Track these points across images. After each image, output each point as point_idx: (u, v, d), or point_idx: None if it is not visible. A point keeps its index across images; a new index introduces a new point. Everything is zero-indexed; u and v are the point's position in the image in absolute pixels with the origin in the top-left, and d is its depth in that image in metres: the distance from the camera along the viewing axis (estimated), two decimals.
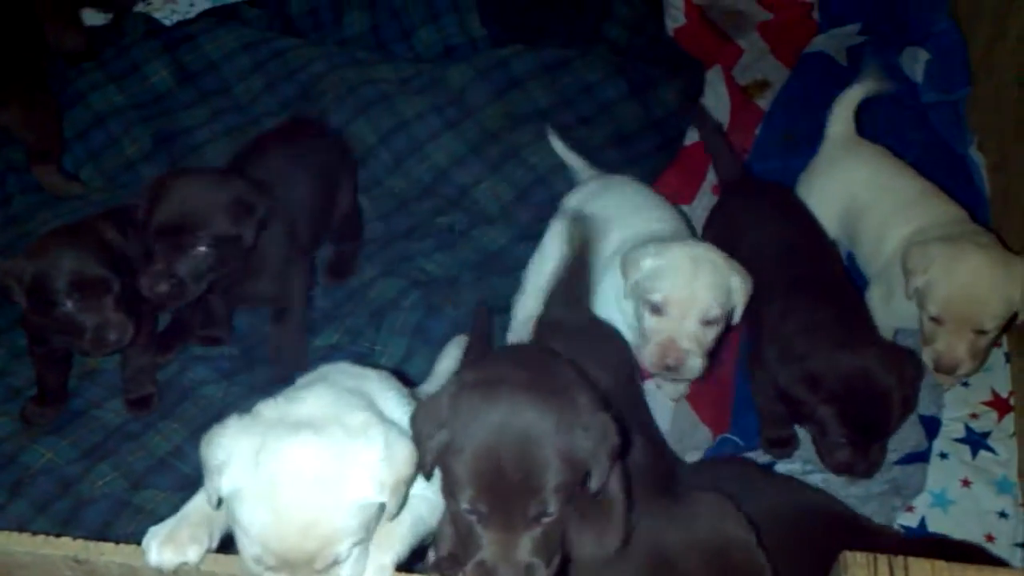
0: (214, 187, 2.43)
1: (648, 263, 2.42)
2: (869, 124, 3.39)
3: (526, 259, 2.89)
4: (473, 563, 1.62)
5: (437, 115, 3.25)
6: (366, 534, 1.63)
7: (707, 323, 2.41)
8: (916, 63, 3.50)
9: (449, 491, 1.66)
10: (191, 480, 2.35)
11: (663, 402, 2.72)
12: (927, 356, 2.58)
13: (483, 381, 1.68)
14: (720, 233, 2.79)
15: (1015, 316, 2.55)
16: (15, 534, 1.61)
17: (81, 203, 3.06)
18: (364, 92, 3.27)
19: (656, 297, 2.39)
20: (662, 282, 2.39)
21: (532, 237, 2.91)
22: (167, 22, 3.72)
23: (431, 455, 1.65)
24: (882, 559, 1.56)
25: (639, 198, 2.79)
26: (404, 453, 1.67)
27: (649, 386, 2.74)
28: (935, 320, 2.54)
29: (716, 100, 3.50)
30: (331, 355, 2.68)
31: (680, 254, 2.43)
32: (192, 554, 1.60)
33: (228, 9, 3.72)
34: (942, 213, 2.78)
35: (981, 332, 2.53)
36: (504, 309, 2.80)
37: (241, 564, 1.61)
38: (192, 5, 3.89)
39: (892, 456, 2.62)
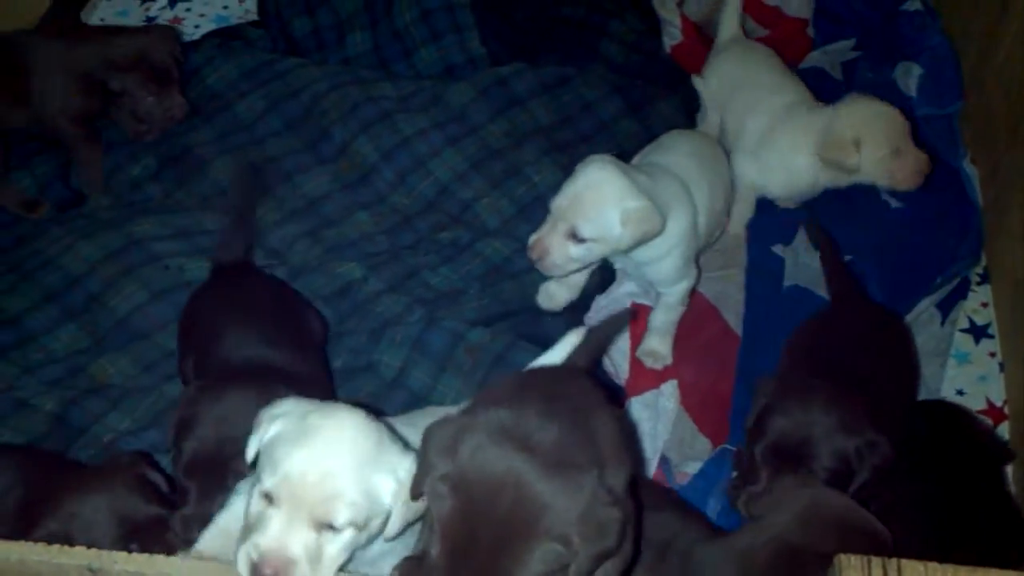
0: (251, 409, 1.95)
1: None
2: None
3: (531, 266, 2.95)
4: None
5: (439, 132, 3.30)
6: (365, 527, 1.70)
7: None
8: (910, 77, 3.56)
9: (425, 529, 1.61)
10: None
11: (664, 411, 2.74)
12: (901, 181, 3.02)
13: (504, 434, 1.58)
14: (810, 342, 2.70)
15: None
16: (31, 544, 1.65)
17: (86, 222, 3.09)
18: (366, 110, 3.32)
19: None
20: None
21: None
22: None
23: (422, 487, 1.60)
24: (876, 561, 1.59)
25: None
26: None
27: (649, 396, 2.78)
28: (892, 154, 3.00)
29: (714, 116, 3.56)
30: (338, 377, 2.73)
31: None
32: None
33: (232, 31, 3.77)
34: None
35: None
36: (512, 314, 2.87)
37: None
38: (197, 27, 3.95)
39: None
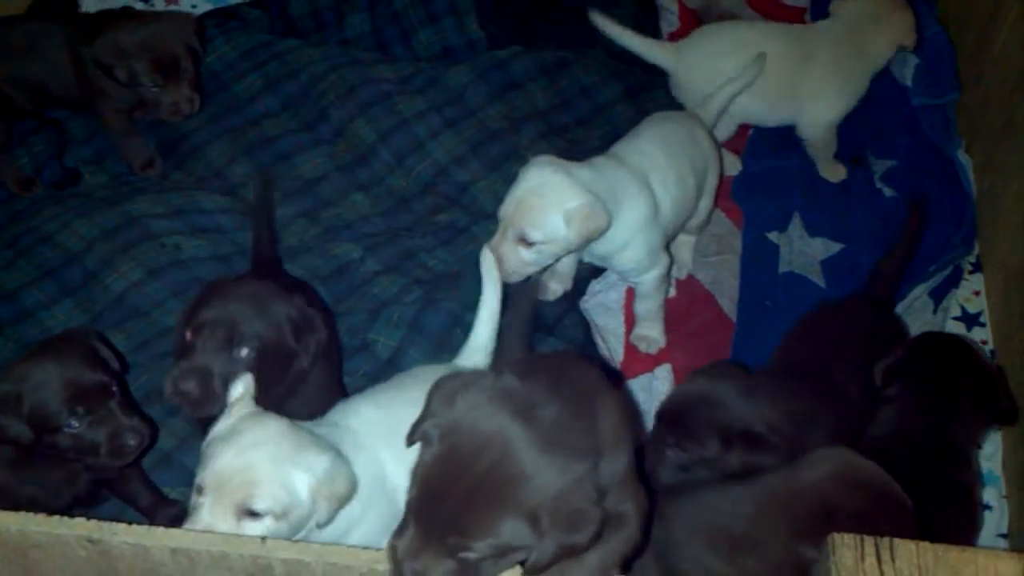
0: (275, 293, 2.19)
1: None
2: (860, 126, 3.48)
3: None
4: (390, 541, 1.57)
5: (437, 114, 3.30)
6: (284, 517, 1.81)
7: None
8: (906, 67, 3.57)
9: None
10: None
11: (659, 394, 2.75)
12: None
13: (504, 394, 1.57)
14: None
15: None
16: (31, 514, 1.66)
17: (85, 200, 3.09)
18: (364, 92, 3.32)
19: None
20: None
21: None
22: None
23: (417, 431, 1.60)
24: (868, 540, 1.62)
25: None
26: (340, 479, 1.87)
27: (643, 379, 2.80)
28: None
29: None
30: None
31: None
32: None
33: (229, 11, 3.75)
34: None
35: None
36: (507, 299, 2.86)
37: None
38: (194, 7, 3.93)
39: None
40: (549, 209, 2.43)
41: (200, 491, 1.83)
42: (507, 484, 1.49)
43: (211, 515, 1.78)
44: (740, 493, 2.02)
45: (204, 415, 2.12)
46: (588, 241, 2.50)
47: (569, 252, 2.57)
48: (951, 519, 2.25)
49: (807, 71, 3.27)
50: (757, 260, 3.15)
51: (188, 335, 2.14)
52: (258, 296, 2.17)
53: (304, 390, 2.28)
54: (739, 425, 2.22)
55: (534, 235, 2.45)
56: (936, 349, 2.45)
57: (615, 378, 2.80)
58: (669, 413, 2.31)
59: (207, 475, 1.82)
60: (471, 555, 1.51)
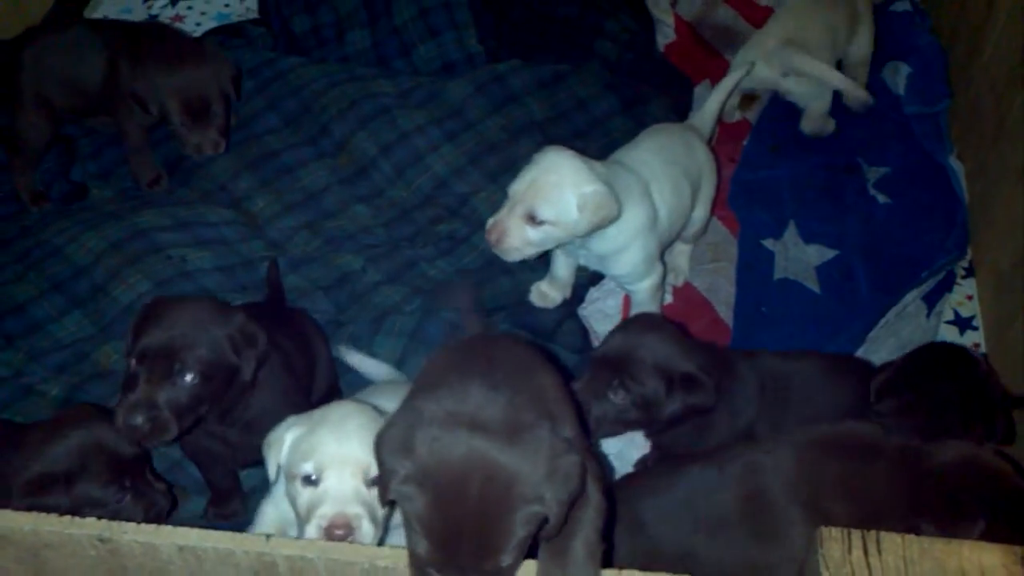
0: (214, 313, 2.17)
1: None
2: (853, 136, 3.54)
3: (525, 262, 3.02)
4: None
5: (436, 127, 3.36)
6: (372, 509, 1.90)
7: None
8: (898, 76, 3.64)
9: (407, 530, 1.61)
10: None
11: None
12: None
13: (453, 420, 1.58)
14: None
15: None
16: (43, 515, 1.71)
17: (93, 214, 3.15)
18: (365, 106, 3.38)
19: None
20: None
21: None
22: None
23: (391, 495, 1.59)
24: (855, 534, 1.65)
25: None
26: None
27: None
28: None
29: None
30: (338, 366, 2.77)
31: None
32: None
33: (233, 28, 3.84)
34: None
35: None
36: (507, 307, 2.95)
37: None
38: (199, 24, 4.02)
39: None
40: (566, 189, 2.48)
41: (312, 481, 1.93)
42: (504, 492, 1.53)
43: (342, 492, 1.90)
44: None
45: (157, 445, 2.25)
46: (594, 229, 2.55)
47: (572, 238, 2.58)
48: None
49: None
50: (752, 267, 3.20)
51: (132, 364, 2.13)
52: (197, 319, 2.14)
53: (258, 397, 2.29)
54: (679, 368, 2.29)
55: (545, 212, 2.48)
56: (932, 366, 2.30)
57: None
58: (607, 357, 2.33)
59: (318, 462, 1.93)
60: (507, 568, 1.56)
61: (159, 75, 3.09)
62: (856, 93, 3.51)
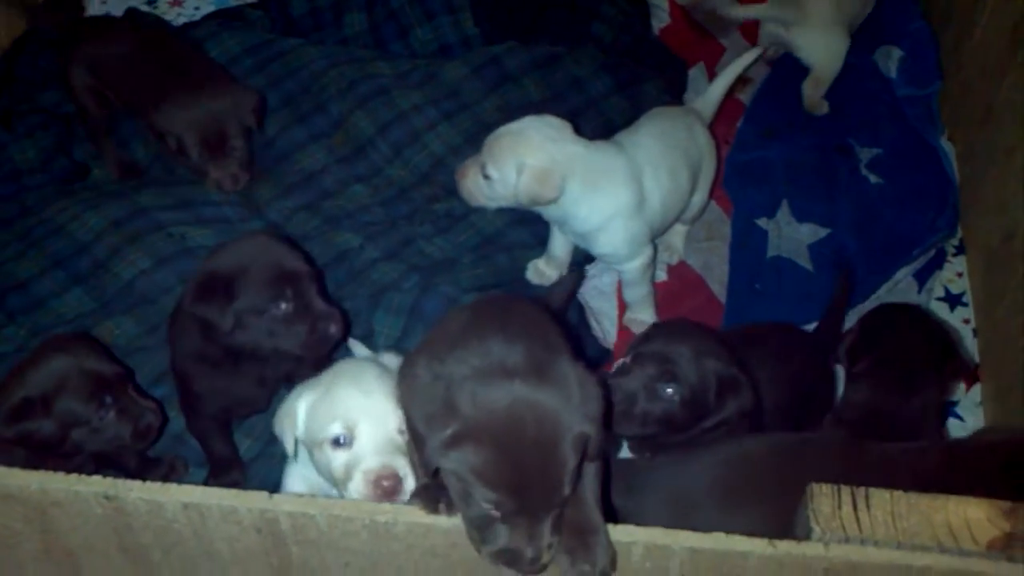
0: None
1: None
2: (846, 118, 3.58)
3: (522, 240, 3.08)
4: (495, 550, 1.62)
5: (434, 107, 3.38)
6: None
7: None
8: (890, 60, 3.68)
9: (459, 496, 1.63)
10: None
11: None
12: None
13: (486, 372, 1.62)
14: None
15: None
16: (50, 472, 1.74)
17: (94, 193, 3.18)
18: (363, 87, 3.40)
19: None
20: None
21: (526, 222, 3.10)
22: (173, 24, 3.86)
23: (439, 461, 1.61)
24: (845, 490, 1.69)
25: None
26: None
27: None
28: None
29: (700, 95, 3.66)
30: None
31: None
32: None
33: (232, 12, 3.86)
34: None
35: None
36: (504, 284, 2.98)
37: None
38: (197, 8, 4.04)
39: None
40: (510, 155, 2.63)
41: (342, 443, 1.98)
42: (554, 423, 1.59)
43: (381, 446, 1.95)
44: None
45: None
46: (532, 202, 2.66)
47: (516, 202, 2.69)
48: None
49: None
50: (746, 245, 3.24)
51: None
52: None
53: None
54: (728, 371, 2.25)
55: (490, 170, 2.66)
56: (893, 320, 2.50)
57: (606, 359, 2.91)
58: (653, 352, 2.27)
59: (347, 421, 1.97)
60: (567, 495, 1.62)
61: (177, 110, 3.06)
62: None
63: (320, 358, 2.41)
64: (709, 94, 3.25)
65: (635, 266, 2.86)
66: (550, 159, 2.62)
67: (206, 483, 2.56)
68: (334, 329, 2.27)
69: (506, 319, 1.74)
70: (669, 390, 2.24)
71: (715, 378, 2.24)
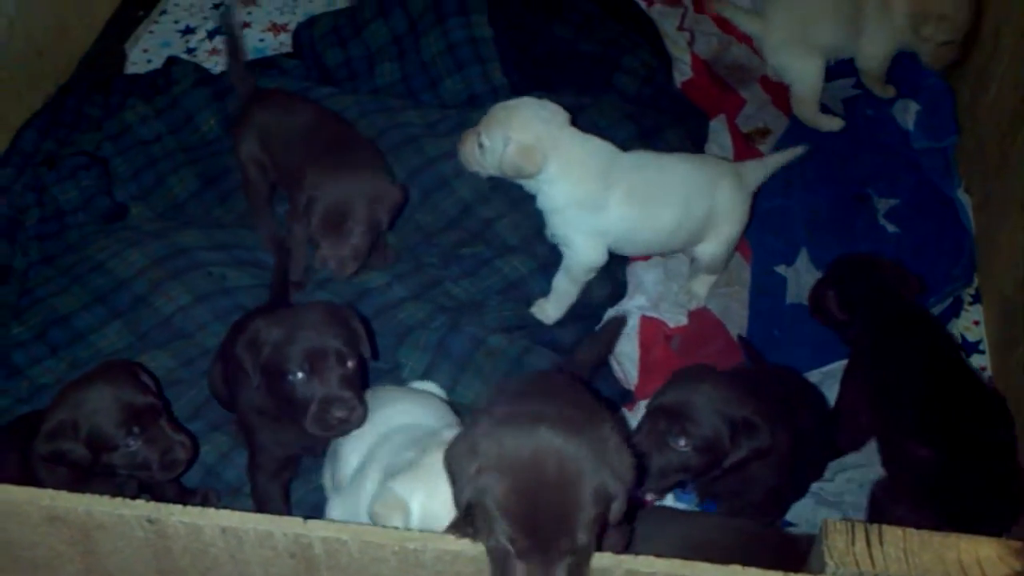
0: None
1: None
2: (864, 168, 3.66)
3: (545, 289, 3.15)
4: None
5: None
6: None
7: None
8: (907, 113, 3.78)
9: (484, 527, 1.72)
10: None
11: None
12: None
13: (516, 417, 1.76)
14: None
15: None
16: (96, 496, 1.82)
17: (134, 232, 3.28)
18: (393, 135, 3.51)
19: None
20: None
21: (549, 266, 3.17)
22: (212, 72, 3.98)
23: (467, 493, 1.75)
24: (859, 526, 1.74)
25: None
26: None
27: None
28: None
29: (720, 146, 3.77)
30: None
31: None
32: None
33: (268, 60, 4.01)
34: None
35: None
36: (529, 326, 3.08)
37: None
38: None
39: (871, 474, 2.83)
40: (500, 128, 2.88)
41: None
42: (576, 470, 1.70)
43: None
44: None
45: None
46: (515, 173, 2.90)
47: (503, 174, 2.94)
48: None
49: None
50: (765, 292, 3.31)
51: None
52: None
53: None
54: (739, 412, 2.33)
55: (484, 139, 2.92)
56: (861, 266, 2.94)
57: (628, 400, 2.98)
58: (664, 407, 2.36)
59: None
60: (585, 545, 1.69)
61: (323, 175, 2.99)
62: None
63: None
64: (763, 164, 3.31)
65: (575, 258, 3.02)
66: (535, 137, 2.85)
67: None
68: (183, 456, 2.38)
69: (548, 387, 1.91)
70: (682, 442, 2.34)
71: (727, 423, 2.32)
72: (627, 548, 1.89)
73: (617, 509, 1.74)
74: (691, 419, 2.32)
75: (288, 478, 2.65)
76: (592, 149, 2.95)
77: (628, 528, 1.89)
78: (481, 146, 2.93)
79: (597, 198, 2.92)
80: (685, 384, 2.39)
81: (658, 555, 1.73)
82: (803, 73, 3.86)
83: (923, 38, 3.75)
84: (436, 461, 1.98)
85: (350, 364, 2.37)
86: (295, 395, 2.35)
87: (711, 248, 3.13)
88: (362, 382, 2.46)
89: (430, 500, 2.06)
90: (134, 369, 2.44)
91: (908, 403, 2.62)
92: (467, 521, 1.79)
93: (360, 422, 2.37)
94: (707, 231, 3.09)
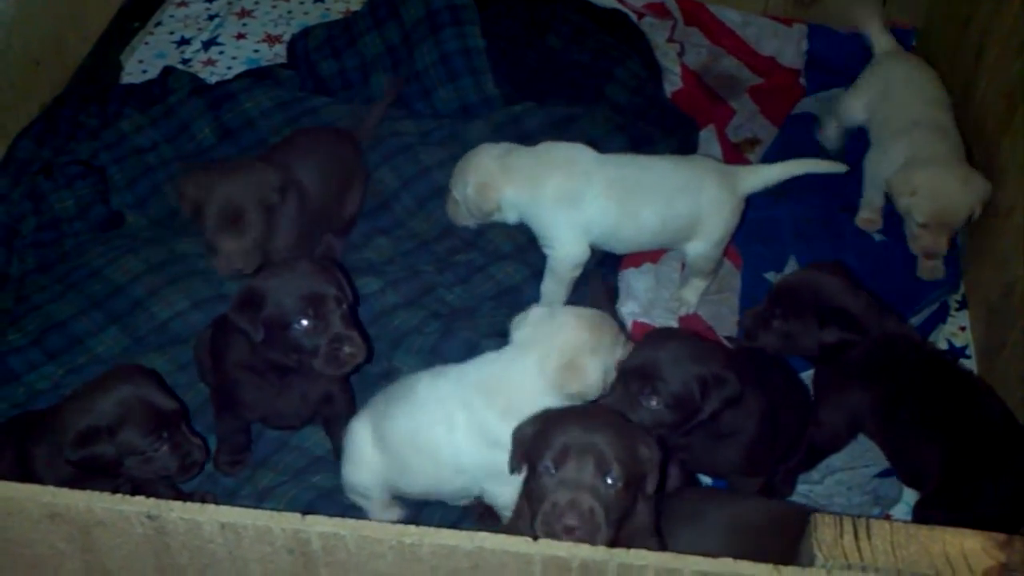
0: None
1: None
2: (852, 177, 3.69)
3: (537, 296, 3.18)
4: (545, 505, 1.98)
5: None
6: None
7: None
8: None
9: (532, 469, 2.05)
10: None
11: None
12: (915, 248, 3.35)
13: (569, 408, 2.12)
14: None
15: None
16: (95, 493, 1.83)
17: (130, 240, 3.31)
18: (388, 143, 3.56)
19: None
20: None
21: (542, 274, 3.20)
22: (207, 82, 4.03)
23: (521, 446, 2.09)
24: (847, 520, 1.77)
25: None
26: None
27: None
28: (922, 226, 3.27)
29: (710, 156, 3.81)
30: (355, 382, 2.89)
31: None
32: None
33: (263, 71, 4.05)
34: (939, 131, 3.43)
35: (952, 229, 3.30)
36: None
37: None
38: (229, 68, 4.23)
39: (872, 470, 2.88)
40: (461, 177, 3.14)
41: None
42: (612, 439, 2.03)
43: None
44: None
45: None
46: (481, 214, 3.12)
47: (480, 219, 3.17)
48: None
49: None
50: (755, 298, 3.32)
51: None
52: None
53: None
54: (708, 369, 2.45)
55: (455, 193, 3.16)
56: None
57: None
58: (634, 368, 2.48)
59: None
60: (614, 484, 2.01)
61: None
62: None
63: (343, 377, 2.63)
64: (766, 171, 3.30)
65: (558, 255, 3.10)
66: (487, 173, 3.06)
67: (215, 459, 2.79)
68: (349, 350, 2.46)
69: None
70: (652, 401, 2.44)
71: (696, 379, 2.43)
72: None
73: (651, 483, 2.05)
74: (660, 378, 2.43)
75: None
76: (553, 153, 3.11)
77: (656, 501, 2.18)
78: (456, 201, 3.16)
79: (571, 192, 3.03)
80: (653, 345, 2.51)
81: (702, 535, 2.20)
82: None
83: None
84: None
85: (345, 306, 2.48)
86: (302, 342, 2.45)
87: (700, 247, 3.17)
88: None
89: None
90: (151, 372, 2.47)
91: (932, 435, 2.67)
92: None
93: (366, 356, 2.52)
94: (694, 229, 3.13)
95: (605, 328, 2.51)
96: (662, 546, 2.17)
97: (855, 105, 3.66)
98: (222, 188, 2.90)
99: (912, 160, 3.31)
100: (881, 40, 3.80)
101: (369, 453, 2.56)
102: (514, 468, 2.12)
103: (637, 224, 3.08)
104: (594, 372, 2.44)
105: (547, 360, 2.43)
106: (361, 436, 2.57)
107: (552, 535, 1.92)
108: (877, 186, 3.48)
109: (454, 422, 2.45)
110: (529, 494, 2.09)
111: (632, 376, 2.47)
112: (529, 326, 2.51)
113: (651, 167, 3.14)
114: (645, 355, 2.49)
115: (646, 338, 2.59)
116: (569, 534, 1.94)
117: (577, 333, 2.45)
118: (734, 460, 2.65)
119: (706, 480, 2.85)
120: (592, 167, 3.07)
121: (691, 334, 2.65)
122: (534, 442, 2.07)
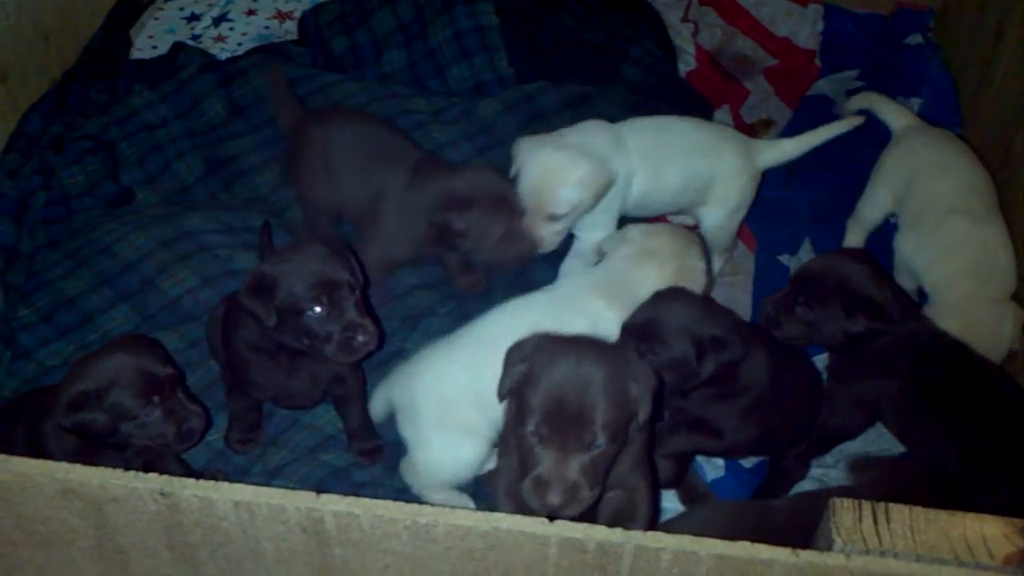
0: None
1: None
2: (868, 159, 3.67)
3: (550, 277, 3.16)
4: (531, 476, 1.98)
5: (468, 142, 3.51)
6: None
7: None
8: (910, 107, 3.78)
9: (520, 417, 2.02)
10: None
11: None
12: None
13: (559, 338, 2.07)
14: None
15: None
16: (108, 469, 1.83)
17: (140, 216, 3.29)
18: (401, 121, 3.52)
19: None
20: None
21: (555, 255, 3.17)
22: (217, 58, 4.00)
23: (511, 381, 2.05)
24: (866, 504, 1.77)
25: None
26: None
27: None
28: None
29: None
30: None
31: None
32: None
33: (275, 47, 4.02)
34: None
35: None
36: None
37: None
38: (240, 45, 4.20)
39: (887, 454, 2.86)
40: (563, 186, 2.85)
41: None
42: (599, 389, 1.96)
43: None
44: None
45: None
46: (599, 199, 2.91)
47: (589, 211, 2.95)
48: None
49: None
50: (768, 280, 3.33)
51: None
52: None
53: None
54: (707, 331, 2.46)
55: (559, 211, 2.88)
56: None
57: None
58: (635, 326, 2.50)
59: None
60: (600, 446, 1.97)
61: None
62: None
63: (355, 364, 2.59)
64: (784, 144, 3.29)
65: (592, 238, 3.05)
66: (582, 157, 2.87)
67: (226, 437, 2.79)
68: (362, 339, 2.43)
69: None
70: (647, 360, 2.39)
71: (692, 342, 2.45)
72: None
73: (644, 413, 2.02)
74: (657, 338, 2.46)
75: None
76: (596, 131, 3.03)
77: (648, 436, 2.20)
78: (558, 218, 2.90)
79: (628, 170, 3.01)
80: (658, 303, 2.53)
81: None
82: None
83: None
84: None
85: (357, 292, 2.46)
86: (314, 329, 2.42)
87: (716, 215, 3.18)
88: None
89: None
90: (151, 341, 2.47)
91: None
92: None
93: (378, 343, 2.50)
94: (710, 193, 3.15)
95: (696, 239, 2.88)
96: (650, 478, 2.23)
97: (880, 195, 3.28)
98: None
99: (942, 286, 3.00)
100: (894, 114, 3.40)
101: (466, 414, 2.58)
102: (502, 397, 2.11)
103: (663, 187, 3.10)
104: (702, 274, 2.75)
105: (665, 265, 2.66)
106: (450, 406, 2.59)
107: (536, 509, 1.97)
108: (909, 274, 3.15)
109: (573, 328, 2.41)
110: (516, 437, 2.08)
111: (632, 333, 2.50)
112: (633, 242, 2.75)
113: (672, 128, 3.16)
114: (647, 315, 2.51)
115: (654, 296, 2.59)
116: (552, 511, 1.94)
117: (686, 243, 2.77)
118: (732, 424, 2.65)
119: (702, 476, 2.84)
120: (626, 140, 3.04)
121: (698, 295, 2.65)
122: (521, 388, 2.03)
